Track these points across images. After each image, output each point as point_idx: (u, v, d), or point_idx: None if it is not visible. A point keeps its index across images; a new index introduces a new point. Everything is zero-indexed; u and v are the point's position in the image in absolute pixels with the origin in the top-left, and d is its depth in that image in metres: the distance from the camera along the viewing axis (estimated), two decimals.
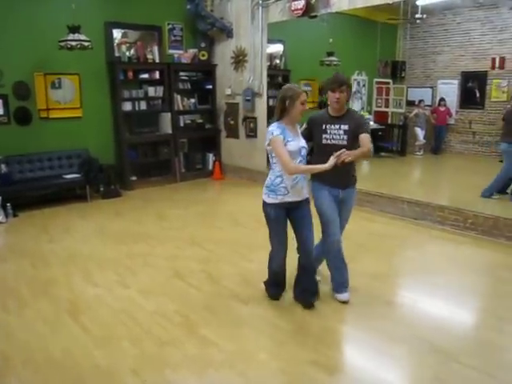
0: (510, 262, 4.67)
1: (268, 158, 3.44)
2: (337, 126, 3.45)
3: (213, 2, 8.18)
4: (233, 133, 8.62)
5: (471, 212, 5.42)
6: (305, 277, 3.60)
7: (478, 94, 10.84)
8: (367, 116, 10.94)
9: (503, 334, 3.26)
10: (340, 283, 3.71)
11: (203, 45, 8.38)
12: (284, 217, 3.43)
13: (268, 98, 8.07)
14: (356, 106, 10.97)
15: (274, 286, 3.75)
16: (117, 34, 7.43)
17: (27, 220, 6.05)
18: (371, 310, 3.59)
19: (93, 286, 4.03)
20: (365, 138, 3.38)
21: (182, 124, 8.29)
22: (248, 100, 8.06)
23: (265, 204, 3.42)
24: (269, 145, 3.25)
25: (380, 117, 11.50)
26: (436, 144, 11.13)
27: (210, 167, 8.74)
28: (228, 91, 8.41)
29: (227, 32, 8.18)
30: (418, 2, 8.76)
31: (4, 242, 5.49)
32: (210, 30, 8.20)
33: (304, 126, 3.60)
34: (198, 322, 3.36)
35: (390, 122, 11.76)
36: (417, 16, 9.00)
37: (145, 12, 7.65)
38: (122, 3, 7.41)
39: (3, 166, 6.30)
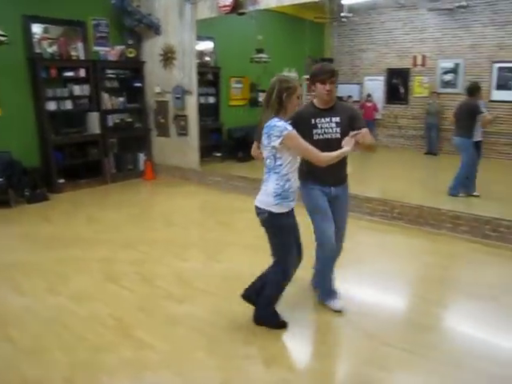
0: (435, 248, 4.95)
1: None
2: (327, 119, 3.24)
3: None
4: (164, 131, 8.48)
5: (398, 202, 5.67)
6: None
7: (402, 90, 11.37)
8: None
9: (431, 316, 3.45)
10: (330, 291, 3.59)
11: (130, 42, 8.18)
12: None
13: (199, 95, 8.02)
14: None
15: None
16: (37, 28, 7.05)
17: None
18: (305, 301, 3.66)
19: (20, 295, 3.82)
20: (368, 133, 3.18)
21: (110, 123, 8.02)
22: (178, 98, 7.96)
23: (276, 216, 2.94)
24: (281, 143, 2.80)
25: None
26: None
27: (142, 167, 8.55)
28: (157, 89, 8.26)
29: (155, 29, 8.02)
30: (343, 1, 9.04)
31: None
32: (137, 26, 8.00)
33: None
34: (133, 325, 3.29)
35: None
36: (342, 15, 9.28)
37: (67, 6, 7.30)
38: None
39: None
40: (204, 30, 8.01)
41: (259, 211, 2.99)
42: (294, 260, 3.17)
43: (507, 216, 4.97)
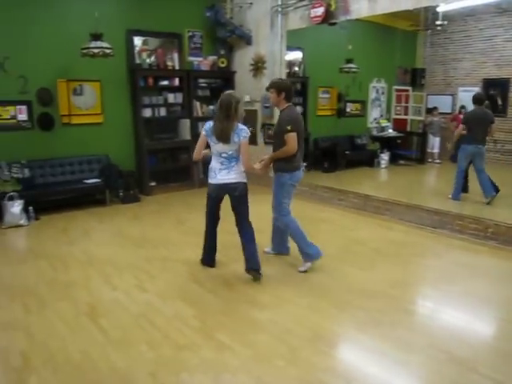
0: None
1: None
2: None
3: (232, 9, 8.26)
4: (252, 139, 8.59)
5: (492, 221, 5.34)
6: None
7: (500, 102, 10.73)
8: (385, 123, 10.90)
9: None
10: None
11: (222, 52, 8.46)
12: None
13: None
14: (375, 113, 10.95)
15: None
16: (138, 41, 7.55)
17: (48, 223, 6.15)
18: (388, 317, 3.55)
19: (111, 289, 4.08)
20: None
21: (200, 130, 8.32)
22: (267, 107, 8.09)
23: (246, 185, 4.41)
24: (244, 140, 4.26)
25: (399, 124, 11.44)
26: (456, 152, 11.00)
27: None
28: (247, 98, 8.45)
29: (247, 39, 8.24)
30: (438, 9, 8.70)
31: (25, 245, 5.60)
32: (230, 37, 8.28)
33: None
34: (216, 327, 3.37)
35: (409, 129, 11.70)
36: (437, 23, 8.95)
37: (165, 20, 7.76)
38: (144, 11, 7.53)
39: (26, 171, 6.39)
40: (294, 40, 8.09)
41: (236, 185, 4.24)
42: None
43: None
